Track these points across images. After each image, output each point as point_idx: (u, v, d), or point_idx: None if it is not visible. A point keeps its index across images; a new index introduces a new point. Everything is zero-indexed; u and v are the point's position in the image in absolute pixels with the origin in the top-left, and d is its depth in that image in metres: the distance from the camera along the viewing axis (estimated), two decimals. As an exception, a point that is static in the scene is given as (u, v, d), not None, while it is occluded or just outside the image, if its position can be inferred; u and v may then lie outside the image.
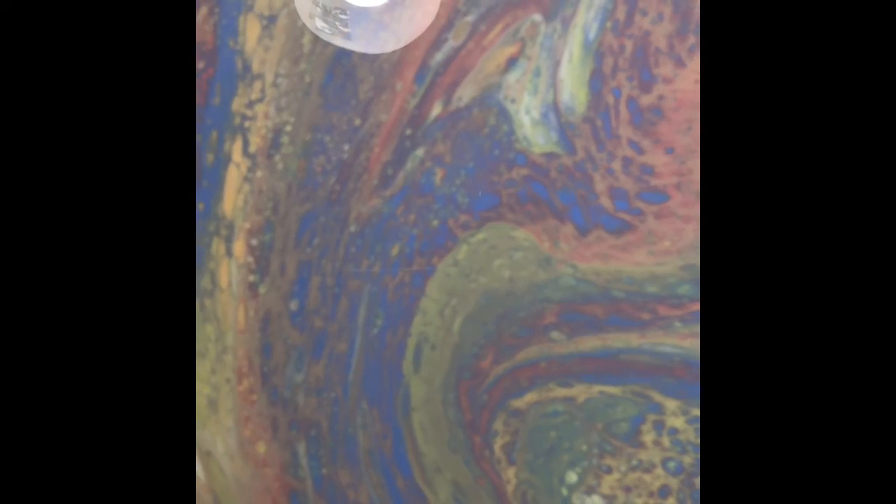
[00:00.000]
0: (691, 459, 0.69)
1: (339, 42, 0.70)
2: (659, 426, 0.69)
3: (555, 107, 0.69)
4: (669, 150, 0.66)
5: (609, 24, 0.66)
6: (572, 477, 0.70)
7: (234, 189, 0.72)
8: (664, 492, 0.69)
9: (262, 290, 0.73)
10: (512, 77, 0.70)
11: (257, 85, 0.71)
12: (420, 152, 0.71)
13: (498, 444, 0.74)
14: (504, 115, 0.70)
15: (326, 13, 0.69)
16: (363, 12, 0.70)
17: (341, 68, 0.70)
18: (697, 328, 0.67)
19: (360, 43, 0.70)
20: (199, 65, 0.70)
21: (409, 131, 0.71)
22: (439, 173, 0.72)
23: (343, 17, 0.70)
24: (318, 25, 0.70)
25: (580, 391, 0.70)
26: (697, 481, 0.69)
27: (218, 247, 0.73)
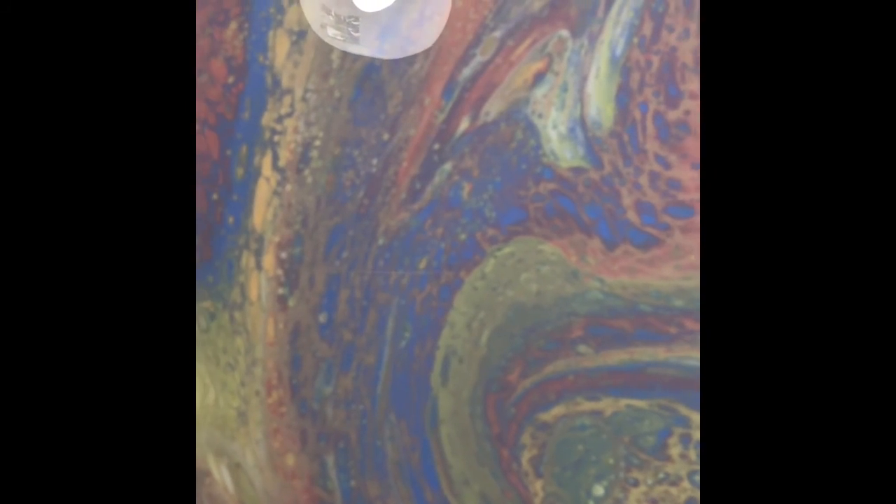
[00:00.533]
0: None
1: (353, 49, 0.71)
2: (686, 440, 0.70)
3: (582, 122, 0.70)
4: (696, 165, 0.67)
5: (636, 40, 0.67)
6: (599, 490, 0.72)
7: (264, 203, 0.74)
8: (691, 505, 0.70)
9: (291, 302, 0.75)
10: (539, 92, 0.71)
11: (287, 100, 0.72)
12: (448, 166, 0.73)
13: (525, 457, 0.75)
14: (531, 130, 0.71)
15: (339, 21, 0.71)
16: (375, 17, 0.72)
17: (370, 83, 0.72)
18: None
19: (373, 48, 0.72)
20: (229, 80, 0.72)
21: (437, 146, 0.72)
22: (467, 187, 0.73)
23: (355, 23, 0.71)
24: (331, 34, 0.71)
25: (607, 405, 0.71)
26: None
27: (248, 260, 0.74)
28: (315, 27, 0.71)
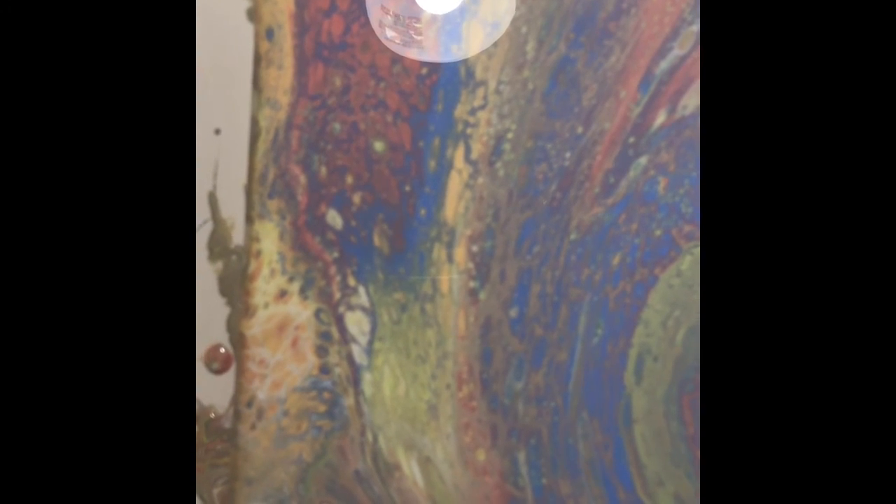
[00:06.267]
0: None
1: (413, 54, 0.77)
2: None
3: None
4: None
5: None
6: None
7: (456, 195, 0.81)
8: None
9: (482, 296, 0.82)
10: None
11: (480, 92, 0.79)
12: (643, 161, 0.79)
13: None
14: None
15: (398, 21, 0.77)
16: (435, 19, 0.77)
17: (565, 76, 0.78)
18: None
19: (435, 52, 0.78)
20: (423, 71, 0.79)
21: (632, 139, 0.79)
22: (663, 182, 0.79)
23: (416, 24, 0.77)
24: (389, 35, 0.77)
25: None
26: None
27: (439, 252, 0.82)
28: (374, 26, 0.77)
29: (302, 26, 0.78)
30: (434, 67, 0.79)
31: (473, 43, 0.79)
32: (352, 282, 0.83)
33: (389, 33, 0.78)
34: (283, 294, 0.82)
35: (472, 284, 0.83)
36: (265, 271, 0.82)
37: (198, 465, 0.84)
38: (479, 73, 0.80)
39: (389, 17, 0.77)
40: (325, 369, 0.84)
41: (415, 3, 0.77)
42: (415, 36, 0.78)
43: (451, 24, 0.78)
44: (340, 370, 0.84)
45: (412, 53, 0.78)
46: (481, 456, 0.85)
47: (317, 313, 0.83)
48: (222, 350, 0.83)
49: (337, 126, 0.80)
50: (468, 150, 0.81)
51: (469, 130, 0.81)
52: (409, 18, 0.77)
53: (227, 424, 0.85)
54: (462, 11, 0.78)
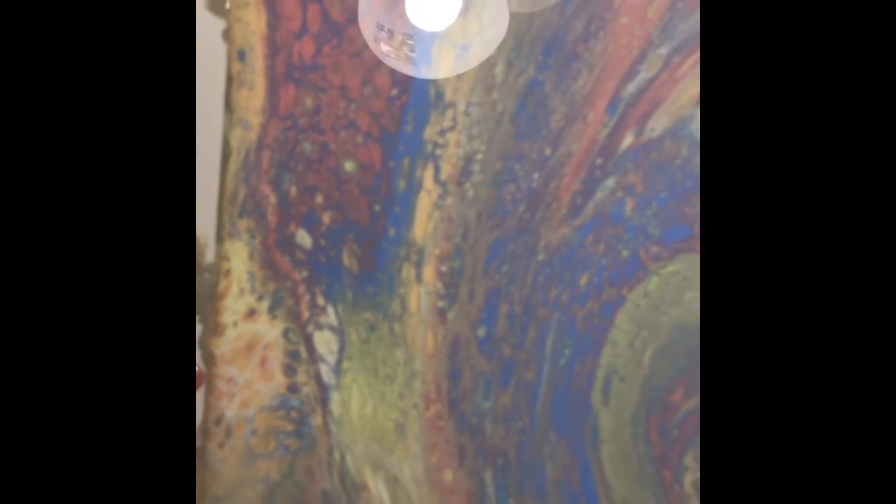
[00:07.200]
0: None
1: (408, 70, 0.78)
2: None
3: None
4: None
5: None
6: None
7: (425, 215, 0.82)
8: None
9: (450, 316, 0.83)
10: None
11: (449, 113, 0.80)
12: (611, 182, 0.80)
13: (688, 480, 0.82)
14: (696, 147, 0.79)
15: (392, 38, 0.77)
16: (430, 36, 0.77)
17: (533, 98, 0.79)
18: None
19: (428, 68, 0.78)
20: (393, 92, 0.80)
21: (599, 161, 0.80)
22: (630, 203, 0.80)
23: (410, 41, 0.78)
24: (385, 51, 0.77)
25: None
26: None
27: (408, 272, 0.82)
28: (369, 42, 0.77)
29: (273, 48, 0.79)
30: (404, 89, 0.80)
31: (473, 56, 0.80)
32: (321, 301, 0.84)
33: (385, 49, 0.78)
34: (252, 313, 0.83)
35: (440, 304, 0.83)
36: (234, 290, 0.82)
37: (165, 483, 0.83)
38: (448, 95, 0.81)
39: (384, 34, 0.78)
40: (293, 388, 0.85)
41: (409, 21, 0.78)
42: (409, 52, 0.79)
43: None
44: (308, 389, 0.85)
45: (407, 70, 0.79)
46: (448, 476, 0.86)
47: (285, 332, 0.84)
48: (197, 368, 0.85)
49: (307, 146, 0.81)
50: (437, 171, 0.82)
51: (438, 151, 0.82)
52: (403, 35, 0.78)
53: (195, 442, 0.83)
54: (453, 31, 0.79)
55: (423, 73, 0.79)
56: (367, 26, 0.78)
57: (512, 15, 0.79)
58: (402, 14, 0.78)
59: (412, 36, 0.78)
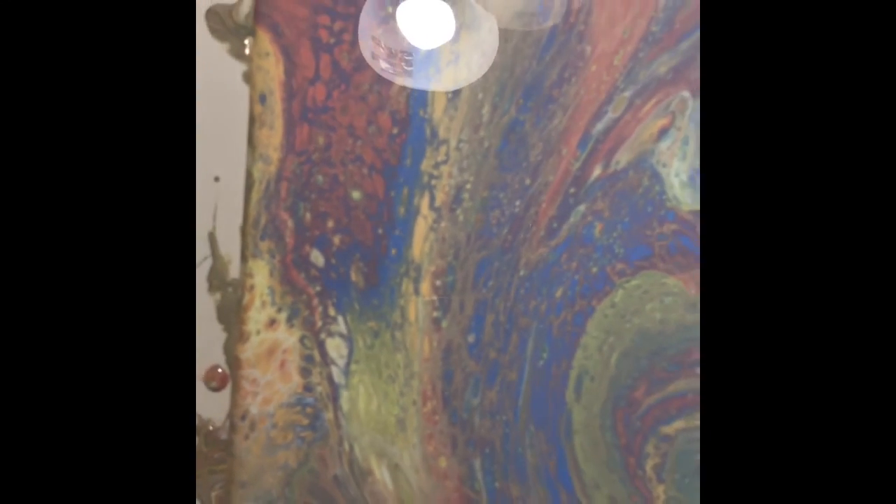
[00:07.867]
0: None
1: (405, 83, 0.79)
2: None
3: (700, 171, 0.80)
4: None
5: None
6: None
7: (422, 237, 0.84)
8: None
9: (444, 324, 0.85)
10: (664, 145, 0.83)
11: (443, 149, 0.83)
12: (582, 208, 0.84)
13: (649, 465, 0.88)
14: (656, 178, 0.83)
15: (391, 55, 0.78)
16: (429, 53, 0.78)
17: (515, 135, 0.82)
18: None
19: (425, 81, 0.79)
20: (394, 130, 0.82)
21: (572, 190, 0.84)
22: (599, 226, 0.84)
23: (408, 58, 0.78)
24: (383, 66, 0.78)
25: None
26: None
27: (407, 286, 0.85)
28: (367, 58, 0.78)
29: (290, 92, 0.81)
30: (403, 128, 0.82)
31: (476, 68, 0.80)
32: (332, 312, 0.85)
33: (383, 64, 0.79)
34: (272, 322, 0.85)
35: (435, 314, 0.87)
36: (257, 303, 0.84)
37: (198, 470, 0.84)
38: (441, 133, 0.83)
39: (383, 51, 0.78)
40: (308, 388, 0.87)
41: (405, 39, 0.79)
42: (405, 68, 0.79)
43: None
44: (321, 388, 0.87)
45: (404, 83, 0.80)
46: (443, 463, 0.88)
47: (301, 339, 0.86)
48: (220, 370, 0.85)
49: (320, 178, 0.83)
50: (432, 199, 0.84)
51: (433, 182, 0.84)
52: (402, 52, 0.79)
53: (223, 436, 0.86)
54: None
55: (423, 85, 0.80)
56: (364, 42, 0.78)
57: (496, 63, 0.81)
58: (397, 32, 0.79)
59: (410, 53, 0.79)
